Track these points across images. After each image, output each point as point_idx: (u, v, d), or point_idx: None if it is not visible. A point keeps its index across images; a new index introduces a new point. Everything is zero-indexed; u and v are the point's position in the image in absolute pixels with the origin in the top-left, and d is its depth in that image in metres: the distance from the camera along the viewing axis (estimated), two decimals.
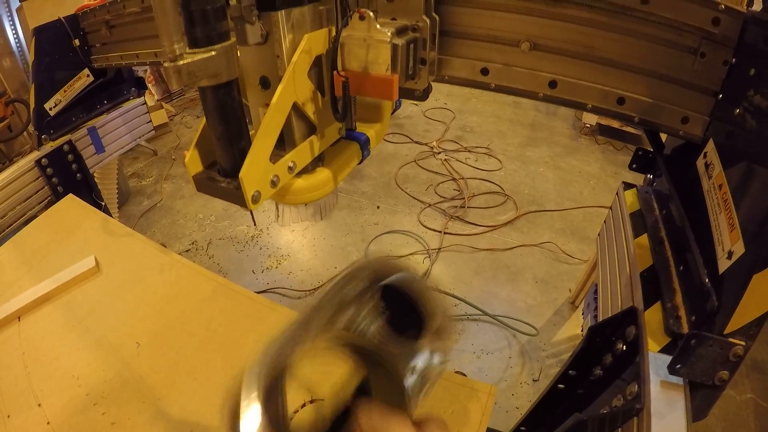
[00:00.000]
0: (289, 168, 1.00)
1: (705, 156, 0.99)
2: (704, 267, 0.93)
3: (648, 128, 1.15)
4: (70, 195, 2.08)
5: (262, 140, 0.89)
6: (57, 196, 2.23)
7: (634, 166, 1.50)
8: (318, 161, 1.14)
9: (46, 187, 2.25)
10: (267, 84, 0.97)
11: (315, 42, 0.95)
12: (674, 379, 0.91)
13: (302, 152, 1.04)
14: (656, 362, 0.93)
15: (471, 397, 1.12)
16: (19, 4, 5.92)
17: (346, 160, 1.20)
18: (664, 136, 1.32)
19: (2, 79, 6.27)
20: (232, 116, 0.88)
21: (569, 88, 1.08)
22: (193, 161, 0.99)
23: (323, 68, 1.01)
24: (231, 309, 1.35)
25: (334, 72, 0.95)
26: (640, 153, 1.47)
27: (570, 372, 1.18)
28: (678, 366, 0.89)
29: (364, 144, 1.25)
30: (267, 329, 1.25)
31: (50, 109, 2.26)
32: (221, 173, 0.96)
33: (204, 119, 0.93)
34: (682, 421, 0.87)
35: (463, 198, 4.02)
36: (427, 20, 1.01)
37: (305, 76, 0.96)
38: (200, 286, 1.44)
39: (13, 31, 6.65)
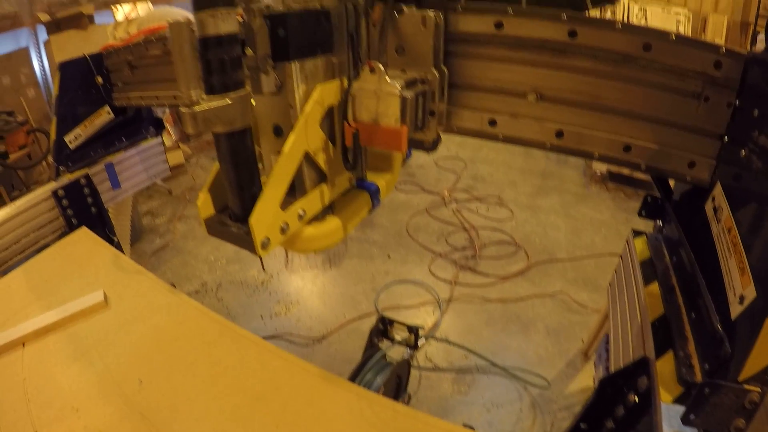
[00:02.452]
0: (299, 216, 1.02)
1: (713, 200, 0.99)
2: (716, 313, 0.91)
3: (655, 174, 1.16)
4: (84, 228, 2.09)
5: (274, 187, 0.92)
6: (71, 228, 2.24)
7: (643, 212, 1.50)
8: (328, 210, 1.15)
9: (60, 218, 2.25)
10: (280, 132, 1.01)
11: (327, 93, 0.98)
12: (688, 430, 0.88)
13: (312, 200, 1.06)
14: (669, 413, 0.90)
15: None
16: (47, 38, 6.20)
17: (356, 210, 1.22)
18: (672, 182, 1.32)
19: (26, 109, 6.55)
20: (244, 162, 0.91)
21: (576, 138, 1.10)
22: (205, 205, 1.02)
23: (335, 119, 1.05)
24: (237, 353, 1.33)
25: (345, 123, 0.98)
26: (648, 200, 1.47)
27: (581, 425, 1.14)
28: (692, 416, 0.87)
29: (375, 194, 1.27)
30: (272, 375, 1.24)
31: (70, 142, 2.30)
32: (232, 218, 0.98)
33: (217, 164, 0.96)
34: None
35: (474, 248, 4.02)
36: (436, 73, 1.04)
37: (317, 126, 0.99)
38: (207, 328, 1.43)
39: (40, 64, 6.92)
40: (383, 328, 2.20)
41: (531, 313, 3.31)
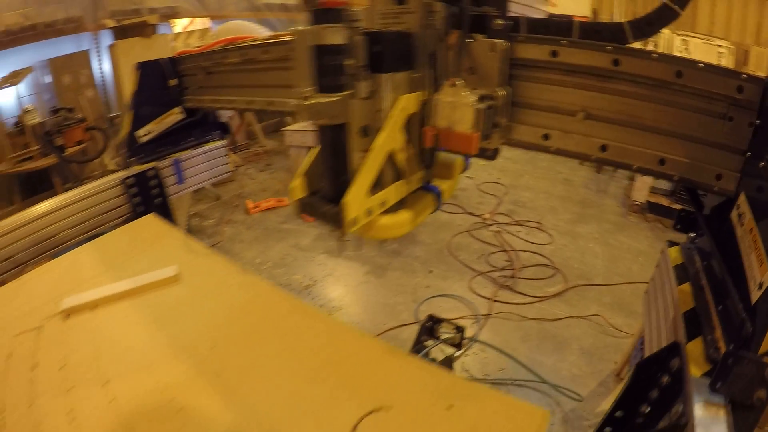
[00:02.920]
0: (381, 204, 1.21)
1: (738, 208, 1.13)
2: (740, 302, 1.05)
3: (686, 185, 1.30)
4: (153, 213, 2.21)
5: (365, 175, 1.11)
6: (136, 215, 2.37)
7: (678, 226, 1.64)
8: (400, 205, 1.32)
9: (126, 205, 2.40)
10: (367, 133, 1.19)
11: (409, 102, 1.18)
12: (716, 399, 1.00)
13: (391, 193, 1.24)
14: (698, 385, 1.02)
15: (526, 419, 1.15)
16: (112, 42, 6.51)
17: (423, 207, 1.38)
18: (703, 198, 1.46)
19: (84, 108, 6.94)
20: (341, 153, 1.11)
21: (617, 152, 1.25)
22: (298, 187, 1.21)
23: (412, 125, 1.23)
24: (307, 326, 1.39)
25: (426, 127, 1.18)
26: (682, 214, 1.61)
27: (616, 414, 1.26)
28: (718, 384, 0.99)
29: (438, 196, 1.44)
30: (341, 345, 1.34)
31: (142, 136, 2.46)
32: (324, 199, 1.17)
33: (310, 155, 1.17)
34: None
35: (513, 269, 4.13)
36: (503, 91, 1.22)
37: (400, 130, 1.19)
38: (278, 304, 1.49)
39: (99, 67, 7.29)
40: (432, 326, 2.34)
41: (566, 333, 3.40)
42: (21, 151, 6.29)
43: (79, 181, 6.95)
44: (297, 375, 1.25)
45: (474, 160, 1.45)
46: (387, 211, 1.28)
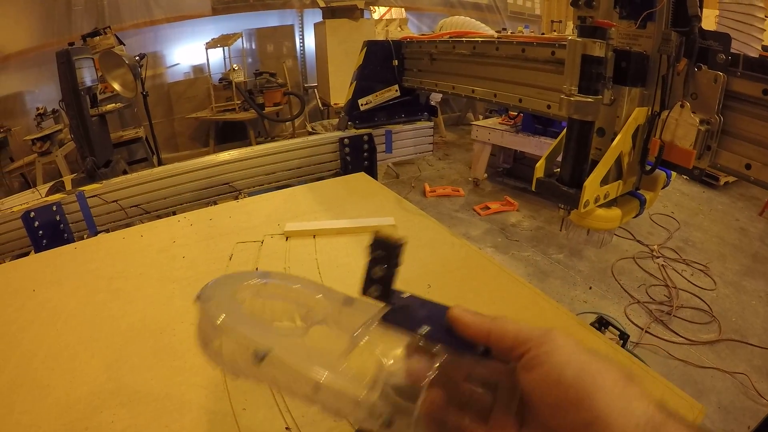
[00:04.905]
0: (605, 195, 1.39)
1: None
2: None
3: None
4: (363, 173, 2.44)
5: (602, 167, 1.31)
6: (345, 171, 2.67)
7: None
8: (614, 202, 1.48)
9: (338, 161, 2.70)
10: (602, 133, 1.40)
11: (640, 114, 1.35)
12: None
13: (614, 188, 1.41)
14: None
15: (682, 407, 1.10)
16: (319, 20, 7.26)
17: (629, 209, 1.52)
18: None
19: (286, 74, 7.86)
20: (585, 145, 1.32)
21: None
22: (540, 168, 1.44)
23: (637, 135, 1.39)
24: (515, 293, 1.46)
25: (654, 138, 1.36)
26: None
27: None
28: None
29: (643, 203, 1.56)
30: (544, 321, 1.37)
31: (362, 105, 2.80)
32: (561, 182, 1.39)
33: (555, 142, 1.41)
34: None
35: (671, 306, 4.05)
36: (719, 118, 1.31)
37: (629, 137, 1.36)
38: (487, 267, 1.57)
39: (300, 41, 8.27)
40: (599, 327, 2.40)
41: (708, 383, 3.29)
42: (224, 102, 7.21)
43: (270, 138, 7.92)
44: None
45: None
46: (603, 205, 1.43)
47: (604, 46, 1.22)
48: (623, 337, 2.41)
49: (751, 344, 3.68)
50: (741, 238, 5.31)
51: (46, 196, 2.08)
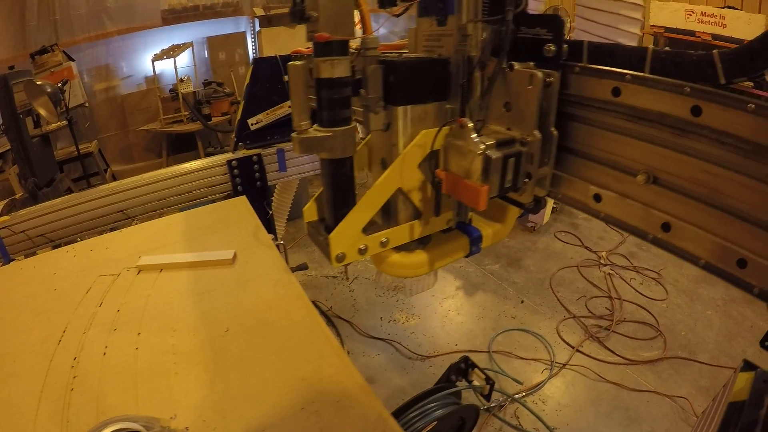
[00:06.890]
0: (381, 243, 1.11)
1: None
2: None
3: None
4: (244, 197, 2.42)
5: (357, 213, 1.03)
6: (236, 193, 2.69)
7: (766, 343, 1.18)
8: (420, 243, 1.21)
9: (229, 183, 2.71)
10: (386, 166, 1.10)
11: (427, 138, 1.03)
12: None
13: (400, 233, 1.13)
14: None
15: None
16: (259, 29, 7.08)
17: (449, 251, 1.24)
18: None
19: (234, 83, 7.81)
20: (339, 186, 1.04)
21: (684, 235, 0.94)
22: (310, 210, 1.18)
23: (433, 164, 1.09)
24: (307, 342, 1.41)
25: (436, 170, 1.05)
26: None
27: None
28: None
29: (476, 240, 1.26)
30: (320, 363, 1.30)
31: (252, 124, 2.73)
32: (324, 228, 1.12)
33: None
34: None
35: (611, 320, 3.75)
36: (538, 135, 0.98)
37: (415, 167, 1.07)
38: (297, 308, 1.56)
39: (253, 48, 8.21)
40: (464, 368, 2.19)
41: (643, 409, 2.99)
42: (173, 114, 7.24)
43: (221, 148, 7.79)
44: (277, 378, 1.27)
45: None
46: (402, 248, 1.18)
47: (344, 64, 0.94)
48: (489, 382, 2.15)
49: (699, 362, 3.39)
50: None
51: None
